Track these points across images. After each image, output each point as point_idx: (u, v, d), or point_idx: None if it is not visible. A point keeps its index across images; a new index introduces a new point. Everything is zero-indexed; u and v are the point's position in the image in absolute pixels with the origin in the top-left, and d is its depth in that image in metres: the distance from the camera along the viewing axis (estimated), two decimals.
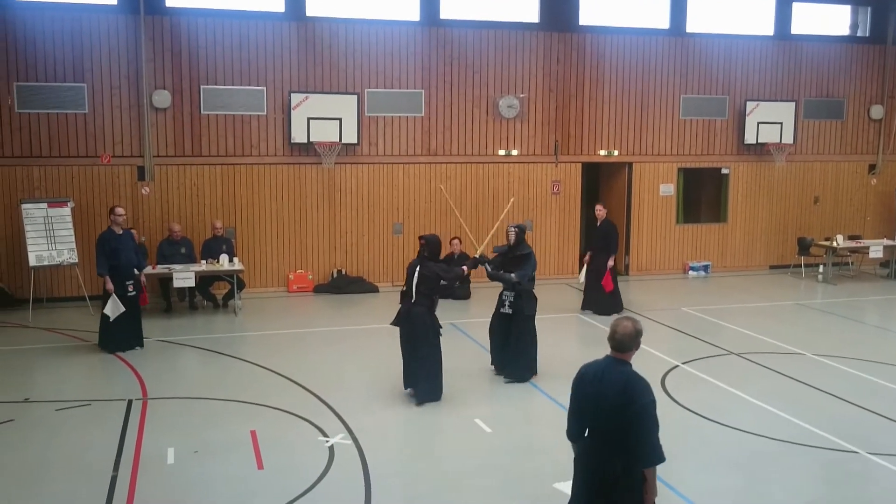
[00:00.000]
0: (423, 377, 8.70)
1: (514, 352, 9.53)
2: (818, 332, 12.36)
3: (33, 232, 13.22)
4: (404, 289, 8.89)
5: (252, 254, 14.90)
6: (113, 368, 10.27)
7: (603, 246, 13.16)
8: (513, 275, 9.44)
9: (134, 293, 10.93)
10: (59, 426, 8.16)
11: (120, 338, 10.84)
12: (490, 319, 9.94)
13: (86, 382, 9.81)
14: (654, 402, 4.68)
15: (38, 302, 13.57)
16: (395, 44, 15.28)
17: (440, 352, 8.84)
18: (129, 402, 8.84)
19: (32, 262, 13.16)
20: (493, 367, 9.86)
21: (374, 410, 8.62)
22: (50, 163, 13.93)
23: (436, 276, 8.68)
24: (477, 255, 9.77)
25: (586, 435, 4.93)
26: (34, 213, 13.29)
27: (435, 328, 8.78)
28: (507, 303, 9.56)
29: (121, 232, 10.90)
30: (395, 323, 8.90)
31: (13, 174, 13.80)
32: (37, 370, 10.32)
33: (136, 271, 11.02)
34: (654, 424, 4.67)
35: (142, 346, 11.06)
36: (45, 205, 13.43)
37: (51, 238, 13.32)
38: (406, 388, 8.94)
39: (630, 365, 4.81)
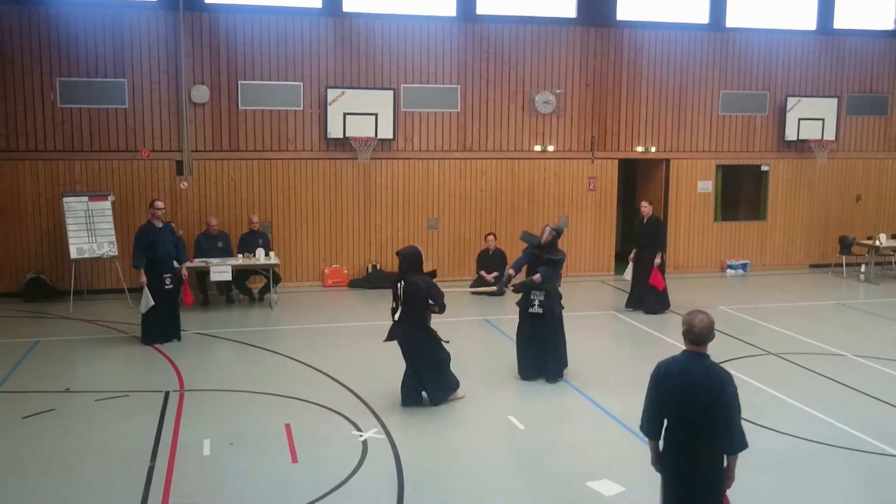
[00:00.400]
0: (430, 382, 8.51)
1: (552, 352, 9.40)
2: (859, 333, 12.11)
3: (74, 225, 13.44)
4: (393, 305, 8.51)
5: (288, 248, 15.01)
6: (151, 360, 10.41)
7: (650, 243, 13.03)
8: (535, 276, 9.30)
9: (171, 286, 11.05)
10: (99, 416, 8.29)
11: (158, 330, 10.99)
12: (517, 326, 9.68)
13: (124, 374, 9.96)
14: (737, 390, 4.87)
15: (79, 294, 13.80)
16: (432, 39, 15.27)
17: (445, 353, 8.63)
18: (167, 394, 8.96)
19: (73, 254, 13.38)
20: (518, 378, 9.54)
21: (407, 406, 8.62)
22: (91, 157, 14.15)
23: (424, 290, 8.32)
24: (503, 282, 9.63)
25: (666, 430, 5.00)
26: (75, 207, 13.51)
27: (432, 341, 8.52)
28: (536, 302, 9.36)
29: (160, 225, 11.03)
30: (388, 340, 8.63)
31: (55, 168, 14.05)
32: (77, 361, 10.50)
33: (175, 264, 11.15)
34: (739, 413, 4.88)
35: (179, 338, 11.20)
36: (85, 198, 13.65)
37: (91, 231, 13.54)
38: (405, 404, 8.54)
39: (709, 356, 4.94)
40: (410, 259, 8.45)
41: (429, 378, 8.49)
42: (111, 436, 7.74)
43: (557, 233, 9.54)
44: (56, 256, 14.11)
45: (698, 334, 4.86)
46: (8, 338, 11.42)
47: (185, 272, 11.34)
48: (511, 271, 9.69)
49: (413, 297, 8.31)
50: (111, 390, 9.07)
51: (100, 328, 12.04)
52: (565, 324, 9.66)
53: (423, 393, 8.60)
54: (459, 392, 8.76)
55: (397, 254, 8.64)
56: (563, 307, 9.60)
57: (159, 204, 11.14)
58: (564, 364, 9.61)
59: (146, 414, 8.31)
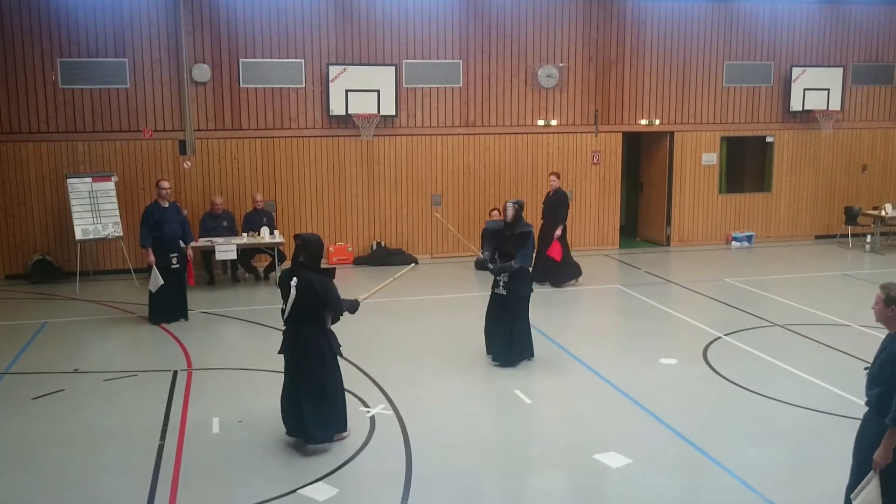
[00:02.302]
0: (315, 422, 6.83)
1: (508, 335, 9.08)
2: (865, 303, 12.04)
3: (78, 206, 13.45)
4: (283, 306, 6.88)
5: (292, 226, 14.99)
6: (158, 340, 10.47)
7: (552, 216, 13.12)
8: (513, 262, 8.96)
9: (178, 266, 11.08)
10: (108, 396, 8.35)
11: (165, 310, 11.03)
12: (487, 306, 9.47)
13: (132, 353, 10.03)
14: None
15: (85, 275, 13.84)
16: (433, 14, 15.16)
17: (339, 381, 7.09)
18: (175, 373, 9.01)
19: (78, 235, 13.40)
20: (489, 356, 9.32)
21: (414, 381, 8.67)
22: (94, 138, 14.14)
23: (320, 293, 6.71)
24: (481, 256, 9.33)
25: None
26: (79, 188, 13.51)
27: (331, 353, 6.93)
28: (501, 283, 9.12)
29: (166, 205, 11.04)
30: (282, 351, 7.02)
31: (59, 149, 14.04)
32: (85, 341, 10.55)
33: (181, 244, 11.16)
34: None
35: (186, 318, 11.23)
36: (89, 179, 13.64)
37: (95, 212, 13.55)
38: (289, 434, 7.05)
39: None
40: (311, 247, 6.81)
41: (308, 405, 6.83)
42: (120, 415, 7.80)
43: (520, 205, 9.22)
44: (61, 238, 14.14)
45: None
46: (16, 319, 11.49)
47: (190, 252, 11.35)
48: (486, 255, 9.31)
49: (309, 296, 6.72)
50: (120, 370, 9.13)
51: (107, 308, 12.09)
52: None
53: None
54: (345, 433, 7.18)
55: (296, 237, 6.89)
56: (531, 290, 9.30)
57: (165, 184, 11.14)
58: (528, 354, 9.25)
59: (155, 393, 8.37)
